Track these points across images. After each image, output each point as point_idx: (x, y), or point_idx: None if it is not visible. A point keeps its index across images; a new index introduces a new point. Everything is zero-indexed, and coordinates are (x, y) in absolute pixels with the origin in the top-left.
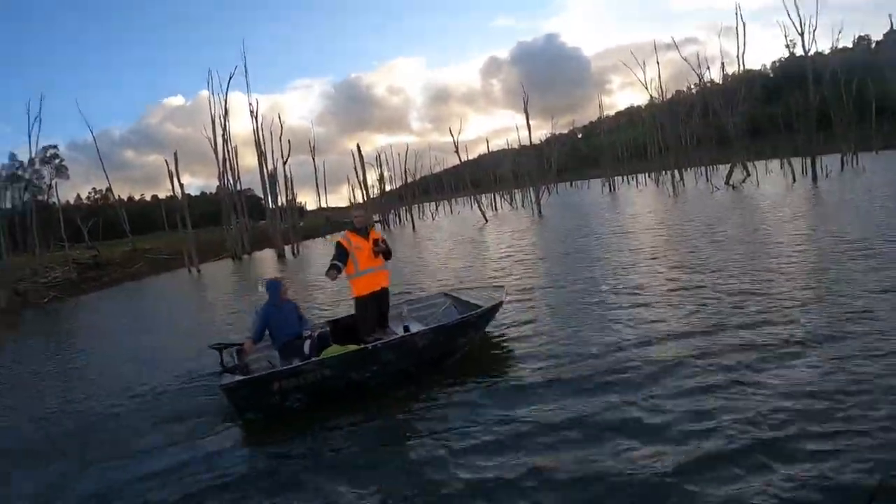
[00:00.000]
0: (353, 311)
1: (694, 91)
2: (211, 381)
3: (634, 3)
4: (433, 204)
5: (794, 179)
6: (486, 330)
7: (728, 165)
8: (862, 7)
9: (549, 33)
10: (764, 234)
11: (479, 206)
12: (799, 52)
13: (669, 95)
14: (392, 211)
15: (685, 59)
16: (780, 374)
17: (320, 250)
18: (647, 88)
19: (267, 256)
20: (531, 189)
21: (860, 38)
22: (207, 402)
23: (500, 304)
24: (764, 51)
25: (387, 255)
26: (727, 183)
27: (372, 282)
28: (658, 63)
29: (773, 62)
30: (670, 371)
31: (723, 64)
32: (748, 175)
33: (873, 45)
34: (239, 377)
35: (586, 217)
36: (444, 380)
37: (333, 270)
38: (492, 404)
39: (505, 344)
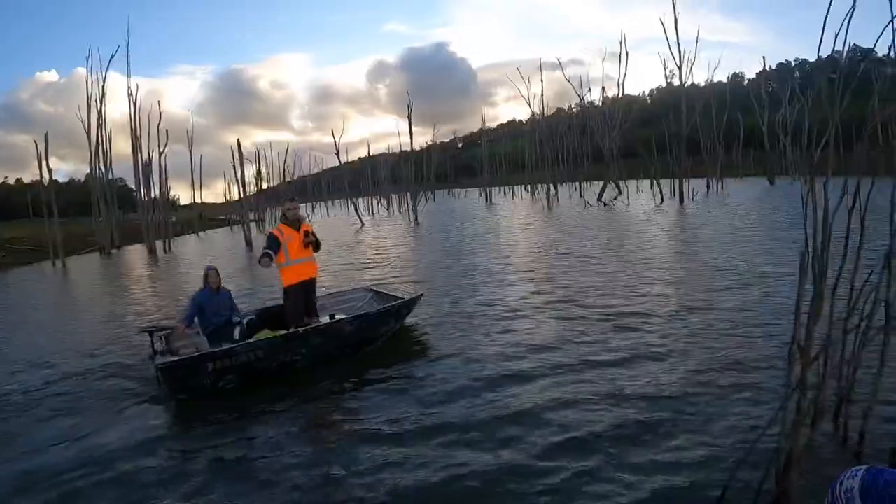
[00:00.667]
0: (277, 301)
1: (575, 110)
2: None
3: (524, 21)
4: (310, 205)
5: (663, 199)
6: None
7: (601, 183)
8: (739, 47)
9: (438, 42)
10: (629, 248)
11: (356, 210)
12: (677, 82)
13: (551, 112)
14: (268, 210)
15: (568, 80)
16: (634, 380)
17: (193, 248)
18: (529, 104)
19: (137, 252)
20: (409, 195)
21: (734, 74)
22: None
23: (420, 297)
24: (644, 78)
25: (316, 246)
26: (599, 199)
27: (301, 272)
28: (542, 81)
29: (652, 90)
30: (528, 379)
31: (603, 88)
32: (620, 193)
33: (745, 82)
34: (174, 357)
35: (461, 225)
36: (360, 366)
37: (266, 258)
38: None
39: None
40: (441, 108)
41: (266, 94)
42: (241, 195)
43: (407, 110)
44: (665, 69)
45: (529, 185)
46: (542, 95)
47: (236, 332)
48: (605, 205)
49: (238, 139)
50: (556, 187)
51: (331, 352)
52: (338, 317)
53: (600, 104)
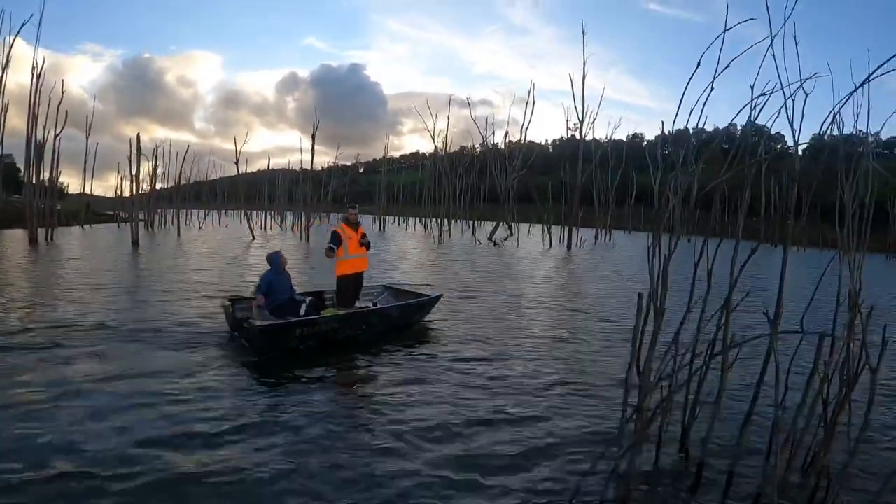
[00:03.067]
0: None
1: (477, 150)
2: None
3: (441, 55)
4: (202, 212)
5: (551, 245)
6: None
7: (494, 223)
8: (641, 109)
9: (354, 62)
10: (509, 284)
11: (248, 223)
12: (579, 135)
13: (454, 149)
14: (159, 212)
15: (474, 120)
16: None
17: (77, 241)
18: (433, 138)
19: (16, 238)
20: (303, 214)
21: (634, 134)
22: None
23: (440, 296)
24: (548, 127)
25: (368, 247)
26: (490, 238)
27: (356, 265)
28: (449, 118)
29: (554, 140)
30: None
31: (507, 132)
32: (511, 234)
33: (644, 143)
34: (272, 321)
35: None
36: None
37: (331, 251)
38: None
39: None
40: (347, 130)
41: (172, 89)
42: (134, 192)
43: (312, 128)
44: (567, 121)
45: (423, 219)
46: (447, 131)
47: (303, 309)
48: (495, 244)
49: (138, 133)
50: (450, 223)
51: (381, 330)
52: (380, 305)
53: (503, 147)
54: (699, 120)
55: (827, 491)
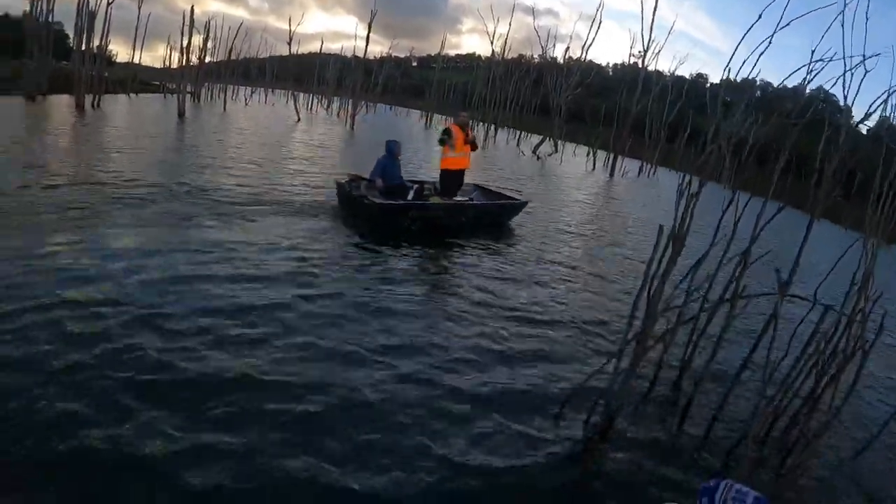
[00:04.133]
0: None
1: (535, 60)
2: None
3: None
4: (249, 89)
5: (594, 168)
6: None
7: (541, 137)
8: (710, 49)
9: None
10: (548, 201)
11: (295, 104)
12: (640, 62)
13: (512, 55)
14: (206, 85)
15: (536, 30)
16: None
17: (123, 108)
18: (492, 42)
19: (63, 103)
20: (350, 101)
21: (699, 73)
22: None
23: (528, 202)
24: (611, 49)
25: (474, 146)
26: (534, 151)
27: (459, 162)
28: (511, 23)
29: (615, 64)
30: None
31: (568, 47)
32: (555, 150)
33: (708, 84)
34: (391, 201)
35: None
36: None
37: (444, 142)
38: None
39: None
40: (405, 21)
41: None
42: (184, 64)
43: (370, 15)
44: (632, 47)
45: (471, 121)
46: (507, 36)
47: (410, 194)
48: (538, 158)
49: (192, 6)
50: (496, 129)
51: (476, 224)
52: (475, 201)
53: (561, 61)
54: (751, 71)
55: (800, 454)
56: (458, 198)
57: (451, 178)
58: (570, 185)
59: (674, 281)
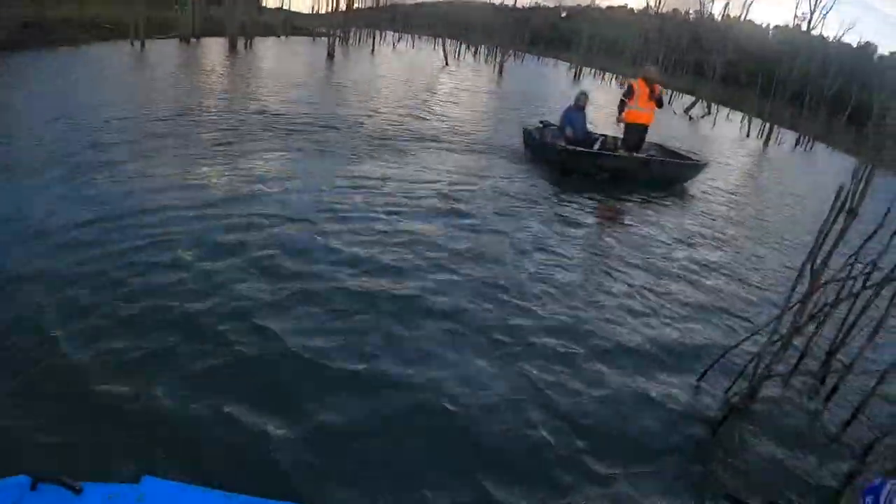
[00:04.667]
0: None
1: (692, 16)
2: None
3: None
4: (397, 34)
5: (748, 135)
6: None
7: (693, 98)
8: (882, 16)
9: None
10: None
11: (443, 48)
12: (804, 27)
13: (667, 10)
14: (353, 29)
15: None
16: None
17: (273, 49)
18: None
19: (217, 44)
20: (498, 48)
21: (866, 42)
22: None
23: (708, 164)
24: (775, 11)
25: (659, 103)
26: (686, 112)
27: (641, 116)
28: None
29: (777, 25)
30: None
31: (727, 3)
32: (708, 113)
33: (876, 56)
34: (582, 148)
35: (542, 94)
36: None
37: (622, 104)
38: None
39: None
40: None
41: None
42: (332, 9)
43: None
44: (797, 8)
45: (621, 76)
46: None
47: (597, 145)
48: (690, 118)
49: None
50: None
51: (657, 180)
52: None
53: (720, 19)
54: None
55: None
56: (640, 154)
57: (633, 132)
58: (723, 149)
59: (842, 254)
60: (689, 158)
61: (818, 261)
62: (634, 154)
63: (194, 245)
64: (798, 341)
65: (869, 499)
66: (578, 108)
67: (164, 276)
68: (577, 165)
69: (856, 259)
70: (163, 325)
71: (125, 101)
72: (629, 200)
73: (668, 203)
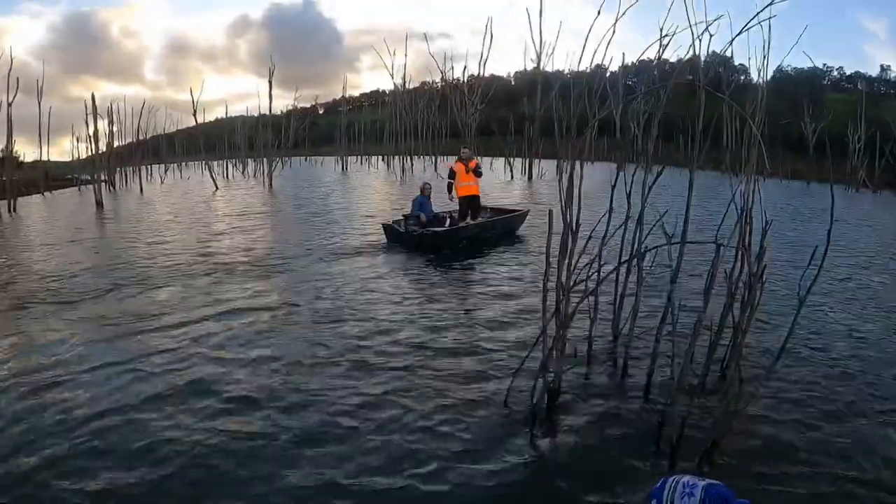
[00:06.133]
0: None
1: (437, 85)
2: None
3: None
4: (163, 166)
5: (513, 176)
6: None
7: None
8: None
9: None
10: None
11: (210, 173)
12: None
13: (414, 85)
14: (118, 171)
15: (432, 56)
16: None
17: (40, 209)
18: (392, 75)
19: None
20: (264, 160)
21: (597, 65)
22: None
23: (528, 211)
24: (509, 59)
25: (477, 174)
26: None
27: (468, 189)
28: (406, 53)
29: (516, 72)
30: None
31: (465, 66)
32: (429, 186)
33: (607, 74)
34: (448, 228)
35: (314, 196)
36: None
37: (449, 183)
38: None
39: None
40: (304, 70)
41: (117, 41)
42: (93, 153)
43: (269, 72)
44: (525, 54)
45: (385, 156)
46: (405, 67)
47: (447, 222)
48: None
49: (93, 93)
50: (412, 159)
51: (500, 234)
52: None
53: (463, 81)
54: (604, 56)
55: (740, 384)
56: (480, 218)
57: (465, 203)
58: (494, 194)
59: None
60: (517, 210)
61: (553, 268)
62: (479, 220)
63: None
64: (578, 339)
65: (653, 502)
66: (425, 196)
67: None
68: (452, 241)
69: (600, 254)
70: None
71: None
72: (480, 256)
73: (506, 247)
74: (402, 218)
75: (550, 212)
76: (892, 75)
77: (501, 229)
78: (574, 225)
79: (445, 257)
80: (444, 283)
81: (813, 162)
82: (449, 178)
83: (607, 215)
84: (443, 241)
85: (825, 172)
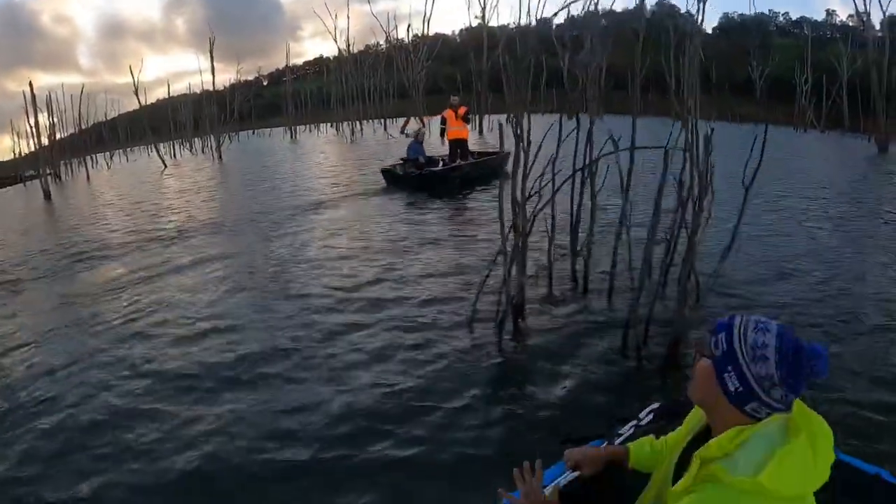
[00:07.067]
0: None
1: (382, 47)
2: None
3: None
4: (108, 153)
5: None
6: None
7: (405, 118)
8: None
9: None
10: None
11: (157, 153)
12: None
13: (359, 48)
14: (63, 162)
15: (375, 17)
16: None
17: None
18: (335, 40)
19: None
20: (211, 136)
21: (543, 18)
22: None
23: (510, 153)
24: (453, 15)
25: (466, 120)
26: (402, 132)
27: (457, 133)
28: (349, 16)
29: (461, 29)
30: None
31: (409, 25)
32: (423, 126)
33: (553, 27)
34: (439, 167)
35: (266, 164)
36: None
37: (442, 130)
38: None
39: None
40: (246, 42)
41: (49, 29)
42: (37, 146)
43: (209, 46)
44: (469, 10)
45: (335, 123)
46: (348, 31)
47: (440, 164)
48: (406, 136)
49: (31, 81)
50: (360, 123)
51: (487, 173)
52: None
53: (407, 41)
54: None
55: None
56: (469, 160)
57: (454, 146)
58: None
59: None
60: (499, 152)
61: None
62: (469, 160)
63: None
64: (538, 258)
65: (722, 335)
66: (418, 141)
67: None
68: (445, 182)
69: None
70: None
71: None
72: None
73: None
74: (400, 162)
75: (501, 125)
76: (838, 20)
77: (488, 169)
78: (525, 141)
79: (424, 199)
80: (423, 221)
81: (762, 105)
82: (442, 124)
83: (557, 135)
84: (439, 181)
85: (774, 115)
